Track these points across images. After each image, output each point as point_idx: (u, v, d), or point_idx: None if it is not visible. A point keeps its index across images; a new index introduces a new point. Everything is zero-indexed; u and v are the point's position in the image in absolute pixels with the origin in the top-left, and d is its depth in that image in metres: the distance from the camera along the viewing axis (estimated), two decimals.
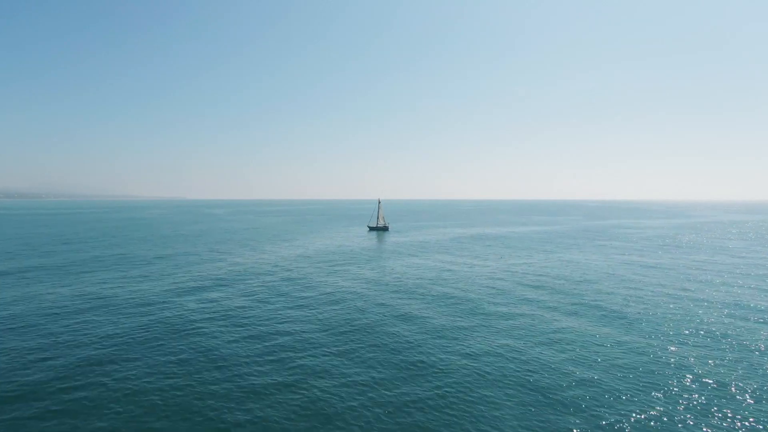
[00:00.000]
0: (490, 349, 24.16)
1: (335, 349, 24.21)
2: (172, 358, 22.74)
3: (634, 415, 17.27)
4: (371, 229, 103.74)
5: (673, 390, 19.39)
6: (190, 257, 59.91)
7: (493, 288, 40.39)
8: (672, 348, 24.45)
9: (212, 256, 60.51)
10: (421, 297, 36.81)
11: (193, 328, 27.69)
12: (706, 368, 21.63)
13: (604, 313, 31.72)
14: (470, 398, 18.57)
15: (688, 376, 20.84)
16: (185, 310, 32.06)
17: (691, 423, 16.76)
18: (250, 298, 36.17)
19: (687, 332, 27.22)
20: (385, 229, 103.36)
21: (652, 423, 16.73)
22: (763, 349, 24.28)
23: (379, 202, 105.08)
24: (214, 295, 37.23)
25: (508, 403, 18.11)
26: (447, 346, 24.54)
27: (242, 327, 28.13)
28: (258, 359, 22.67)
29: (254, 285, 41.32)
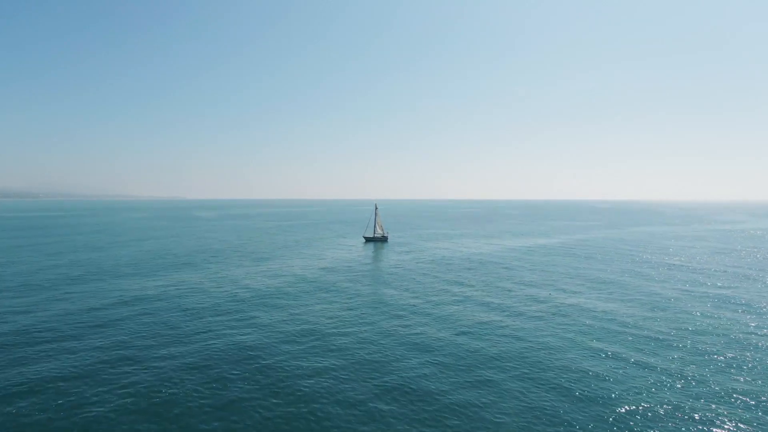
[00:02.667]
0: None
1: None
2: None
3: None
4: (367, 240, 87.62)
5: None
6: (112, 278, 43.77)
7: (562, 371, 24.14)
8: None
9: (142, 279, 44.37)
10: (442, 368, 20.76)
11: None
12: None
13: None
14: None
15: None
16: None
17: None
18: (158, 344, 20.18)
19: None
20: (383, 239, 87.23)
21: None
22: None
23: (376, 208, 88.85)
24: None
25: None
26: None
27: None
28: None
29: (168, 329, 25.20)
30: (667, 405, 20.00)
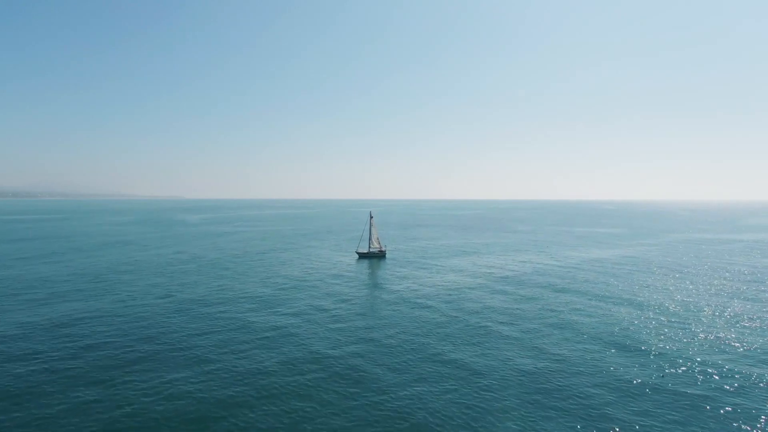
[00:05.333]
0: None
1: None
2: None
3: None
4: (361, 256, 71.89)
5: None
6: None
7: None
8: None
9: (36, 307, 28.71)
10: None
11: None
12: None
13: None
14: None
15: None
16: None
17: None
18: None
19: None
20: (380, 255, 71.48)
21: None
22: None
23: (371, 217, 73.06)
24: None
25: None
26: None
27: None
28: None
29: None
30: None
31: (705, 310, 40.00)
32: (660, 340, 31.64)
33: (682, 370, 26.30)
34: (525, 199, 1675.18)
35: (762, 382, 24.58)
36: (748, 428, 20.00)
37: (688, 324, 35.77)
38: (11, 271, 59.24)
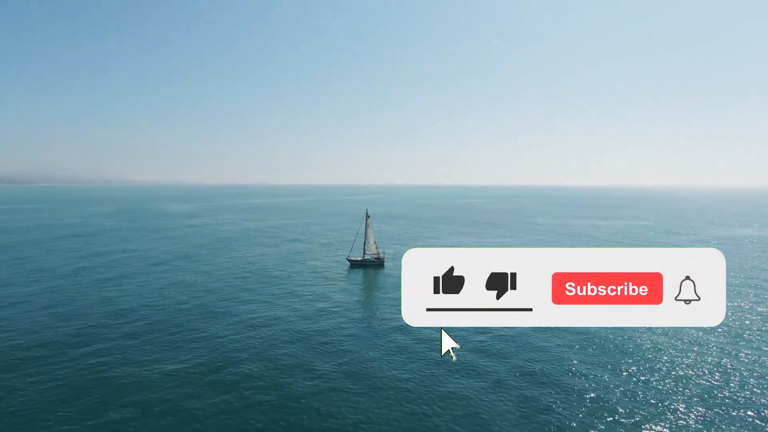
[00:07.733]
0: None
1: None
2: None
3: None
4: (353, 264, 57.76)
5: None
6: None
7: None
8: None
9: None
10: None
11: None
12: None
13: None
14: None
15: None
16: None
17: None
18: None
19: None
20: (377, 264, 57.27)
21: None
22: None
23: (368, 217, 58.61)
24: None
25: None
26: None
27: None
28: None
29: None
30: None
31: None
32: None
33: None
34: (527, 185, 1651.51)
35: None
36: None
37: None
38: None
